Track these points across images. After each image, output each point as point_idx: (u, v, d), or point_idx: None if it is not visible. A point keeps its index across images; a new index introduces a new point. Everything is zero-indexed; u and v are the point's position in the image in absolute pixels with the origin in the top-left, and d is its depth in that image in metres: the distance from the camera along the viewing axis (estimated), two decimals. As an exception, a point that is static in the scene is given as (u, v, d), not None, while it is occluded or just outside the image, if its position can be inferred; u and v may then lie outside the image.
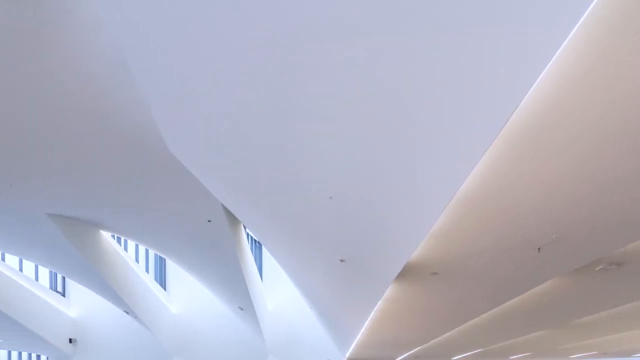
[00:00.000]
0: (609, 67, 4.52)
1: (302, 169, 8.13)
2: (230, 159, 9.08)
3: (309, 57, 5.24)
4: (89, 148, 12.25)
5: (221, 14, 5.13)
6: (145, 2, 5.67)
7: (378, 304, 13.28)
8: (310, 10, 4.58)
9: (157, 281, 31.55)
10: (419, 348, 24.71)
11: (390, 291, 11.95)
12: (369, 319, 15.39)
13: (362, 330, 17.60)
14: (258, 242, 29.26)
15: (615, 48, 4.29)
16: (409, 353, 27.02)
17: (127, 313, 28.15)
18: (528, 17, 3.83)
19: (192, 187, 13.25)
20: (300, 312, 28.05)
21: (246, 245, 22.59)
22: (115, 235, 24.41)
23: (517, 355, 33.15)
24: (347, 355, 25.72)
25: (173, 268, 30.96)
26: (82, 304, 33.64)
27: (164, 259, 31.10)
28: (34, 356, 36.82)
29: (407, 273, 10.43)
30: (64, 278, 33.08)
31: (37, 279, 31.60)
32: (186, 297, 31.63)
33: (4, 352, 36.72)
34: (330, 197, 8.46)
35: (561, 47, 3.95)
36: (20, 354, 37.01)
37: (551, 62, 4.09)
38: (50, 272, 32.63)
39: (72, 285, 33.11)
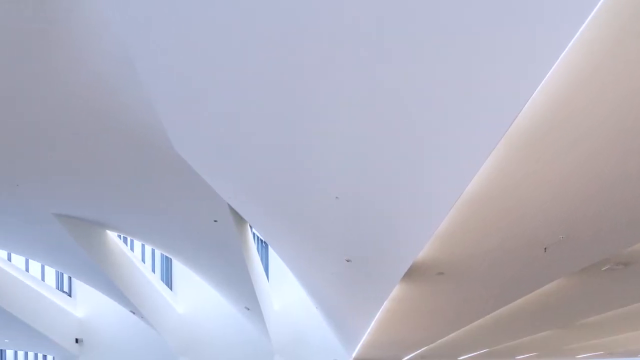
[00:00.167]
0: (616, 66, 4.51)
1: (308, 169, 8.13)
2: (236, 159, 9.09)
3: (314, 58, 5.24)
4: (95, 148, 12.27)
5: (226, 14, 5.14)
6: (151, 2, 5.67)
7: (384, 304, 13.26)
8: (316, 10, 4.58)
9: (163, 281, 31.58)
10: (425, 348, 24.70)
11: (396, 291, 11.94)
12: (375, 319, 15.38)
13: (369, 330, 17.59)
14: (264, 242, 29.26)
15: (621, 47, 4.28)
16: (415, 353, 27.01)
17: (134, 313, 28.18)
18: (535, 16, 3.83)
19: (198, 187, 13.25)
20: (306, 312, 28.02)
21: (252, 245, 22.59)
22: (122, 235, 24.45)
23: (524, 355, 33.12)
24: (354, 355, 25.70)
25: (179, 268, 30.99)
26: (88, 304, 33.67)
27: (170, 259, 31.13)
28: (40, 356, 36.87)
29: (414, 273, 10.42)
30: (70, 278, 33.13)
31: (43, 279, 31.65)
32: (192, 297, 31.64)
33: (11, 352, 36.78)
34: (337, 197, 8.46)
35: (568, 47, 3.94)
36: (26, 354, 37.05)
37: (558, 61, 4.09)
38: (57, 272, 32.68)
39: (79, 285, 33.15)
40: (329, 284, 15.04)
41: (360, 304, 15.45)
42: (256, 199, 11.18)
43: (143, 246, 31.02)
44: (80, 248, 20.63)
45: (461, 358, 32.06)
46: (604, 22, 3.92)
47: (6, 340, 32.79)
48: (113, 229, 21.95)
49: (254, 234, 23.48)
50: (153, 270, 31.51)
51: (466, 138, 5.51)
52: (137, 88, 9.19)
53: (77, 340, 33.56)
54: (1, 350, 36.46)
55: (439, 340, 22.04)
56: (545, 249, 9.11)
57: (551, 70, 4.18)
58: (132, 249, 29.16)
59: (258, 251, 25.56)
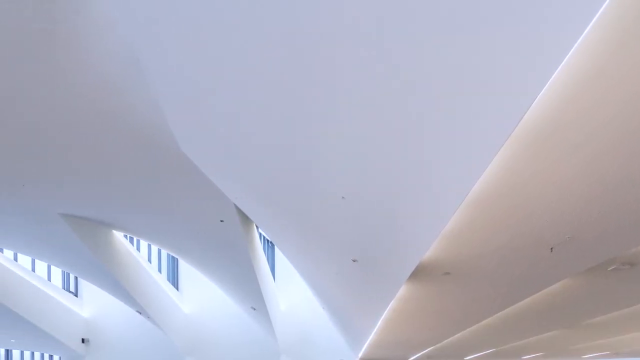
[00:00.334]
0: (622, 66, 4.51)
1: (314, 169, 8.15)
2: (243, 159, 9.11)
3: (320, 58, 5.25)
4: (101, 148, 12.29)
5: (233, 14, 5.15)
6: (157, 2, 5.69)
7: (391, 304, 13.27)
8: (321, 11, 4.59)
9: (169, 281, 31.63)
10: (431, 348, 24.69)
11: (402, 291, 11.94)
12: (382, 319, 15.38)
13: (375, 330, 17.59)
14: (270, 242, 29.26)
15: (628, 47, 4.29)
16: (422, 353, 27.00)
17: (140, 313, 28.22)
18: (541, 16, 3.83)
19: (205, 187, 13.26)
20: (312, 312, 28.05)
21: (259, 245, 22.60)
22: (128, 235, 24.48)
23: (530, 355, 33.09)
24: (360, 355, 25.71)
25: (185, 268, 31.03)
26: (94, 304, 33.73)
27: (177, 259, 31.17)
28: (46, 356, 36.94)
29: (420, 273, 10.42)
30: (76, 278, 33.18)
31: (49, 279, 31.70)
32: (199, 297, 31.68)
33: (17, 352, 36.85)
34: (343, 197, 8.47)
35: (574, 47, 3.95)
36: (32, 354, 37.11)
37: (564, 61, 4.09)
38: (63, 272, 32.73)
39: (85, 285, 33.21)
40: (335, 284, 15.05)
41: (367, 304, 15.46)
42: (262, 199, 11.20)
43: (149, 246, 31.05)
44: (86, 248, 20.66)
45: (467, 358, 32.04)
46: (609, 24, 3.93)
47: (12, 341, 32.86)
48: (119, 229, 21.98)
49: (260, 234, 23.50)
50: (159, 270, 31.55)
51: (473, 137, 5.52)
52: (143, 88, 9.21)
53: (83, 340, 33.63)
54: (7, 350, 36.53)
55: (445, 340, 22.03)
56: (551, 248, 9.11)
57: (557, 70, 4.19)
58: (138, 249, 29.16)
59: (264, 251, 25.54)
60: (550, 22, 3.85)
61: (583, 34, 3.82)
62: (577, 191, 6.96)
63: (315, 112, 6.36)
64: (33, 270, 30.33)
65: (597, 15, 3.65)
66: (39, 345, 33.52)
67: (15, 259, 29.11)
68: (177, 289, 32.12)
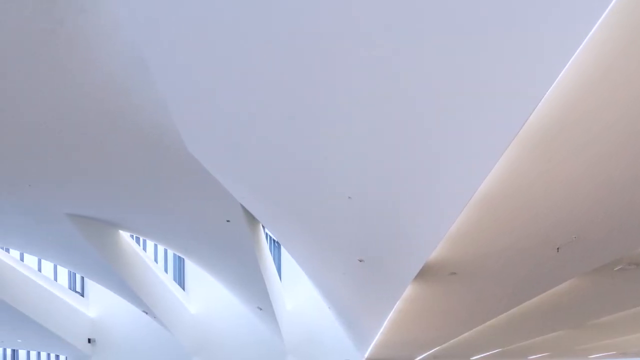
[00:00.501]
0: (628, 67, 4.52)
1: (321, 169, 8.15)
2: (249, 159, 9.11)
3: (327, 58, 5.26)
4: (108, 148, 12.30)
5: (240, 14, 5.16)
6: (163, 2, 5.71)
7: (397, 304, 13.28)
8: (329, 11, 4.60)
9: (176, 281, 31.65)
10: (437, 348, 24.70)
11: (408, 291, 11.95)
12: (388, 319, 15.39)
13: (381, 330, 17.60)
14: (277, 242, 29.28)
15: (634, 48, 4.29)
16: (428, 353, 27.01)
17: (146, 313, 28.23)
18: (547, 17, 3.84)
19: (211, 187, 13.27)
20: (319, 312, 28.06)
21: (265, 245, 22.61)
22: (134, 235, 24.49)
23: (536, 355, 33.09)
24: (366, 355, 25.73)
25: (192, 268, 31.02)
26: (101, 304, 33.76)
27: (183, 259, 31.15)
28: (52, 356, 36.96)
29: (426, 273, 10.43)
30: (82, 278, 33.20)
31: (56, 279, 31.71)
32: (205, 297, 31.71)
33: (23, 352, 36.90)
34: (349, 197, 8.48)
35: (580, 47, 3.96)
36: (39, 354, 37.15)
37: (570, 62, 4.10)
38: (69, 272, 32.74)
39: (91, 285, 33.24)
40: (342, 284, 15.06)
41: (373, 304, 15.47)
42: (269, 199, 11.21)
43: (156, 246, 31.06)
44: (92, 248, 20.66)
45: (474, 358, 32.05)
46: (616, 24, 3.94)
47: (19, 340, 32.90)
48: (126, 229, 21.98)
49: (266, 234, 23.50)
50: (166, 270, 31.56)
51: (479, 137, 5.52)
52: (149, 88, 9.22)
53: (89, 340, 33.66)
54: (14, 350, 36.59)
55: (452, 340, 22.04)
56: (557, 249, 9.11)
57: (563, 71, 4.19)
58: (144, 249, 29.20)
59: (270, 251, 25.59)
60: (556, 23, 3.85)
61: (589, 35, 3.83)
62: (583, 191, 6.97)
63: (322, 112, 6.36)
64: (39, 270, 30.32)
65: (603, 16, 3.66)
66: (45, 345, 33.54)
67: (22, 259, 29.11)
68: (184, 289, 32.15)
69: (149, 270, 26.80)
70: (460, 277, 11.14)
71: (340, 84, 5.60)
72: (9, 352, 36.71)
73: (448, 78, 4.83)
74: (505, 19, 3.99)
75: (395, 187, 7.69)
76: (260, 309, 26.02)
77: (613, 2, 3.53)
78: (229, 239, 19.72)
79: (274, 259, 26.81)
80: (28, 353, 37.08)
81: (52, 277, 31.33)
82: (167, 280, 29.82)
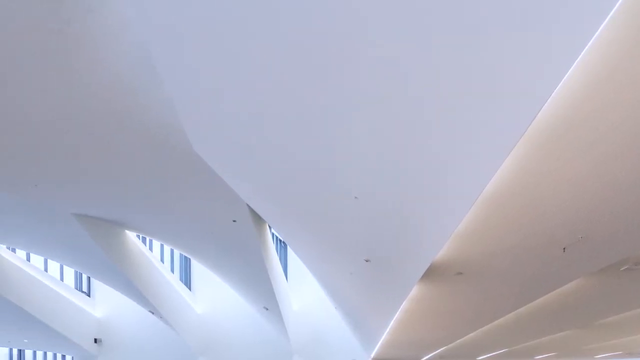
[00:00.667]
0: (635, 67, 4.52)
1: (327, 169, 8.16)
2: (255, 158, 9.12)
3: (334, 58, 5.27)
4: (114, 148, 12.31)
5: (248, 13, 5.17)
6: (171, 1, 5.72)
7: (403, 304, 13.28)
8: (337, 11, 4.61)
9: (182, 281, 31.66)
10: (444, 348, 24.70)
11: (415, 291, 11.95)
12: (394, 319, 15.39)
13: (387, 330, 17.60)
14: (283, 242, 29.29)
15: (640, 48, 4.30)
16: (434, 353, 27.01)
17: (152, 313, 28.26)
18: (554, 17, 3.85)
19: (217, 187, 13.26)
20: (325, 312, 28.06)
21: (271, 245, 22.60)
22: (140, 235, 24.52)
23: (543, 355, 33.08)
24: (373, 355, 25.72)
25: (198, 268, 31.06)
26: (107, 304, 33.80)
27: (189, 259, 31.22)
28: (59, 356, 37.06)
29: (432, 273, 10.43)
30: (89, 278, 33.27)
31: (62, 279, 31.76)
32: (211, 297, 31.71)
33: (30, 352, 36.97)
34: (356, 197, 8.49)
35: (587, 47, 3.96)
36: (45, 354, 37.25)
37: (577, 61, 4.11)
38: (75, 272, 32.81)
39: (97, 285, 33.29)
40: (348, 284, 15.06)
41: (379, 304, 15.47)
42: (275, 199, 11.21)
43: (162, 246, 31.11)
44: (99, 248, 20.68)
45: (480, 358, 32.05)
46: (623, 23, 3.94)
47: (25, 341, 32.95)
48: (132, 229, 22.00)
49: (273, 234, 23.49)
50: (172, 270, 31.59)
51: (486, 137, 5.53)
52: (155, 88, 9.23)
53: (95, 340, 33.70)
54: (20, 350, 36.66)
55: (458, 340, 22.04)
56: (564, 248, 9.11)
57: (570, 70, 4.20)
58: (151, 249, 29.26)
59: (277, 251, 25.57)
60: (563, 23, 3.86)
61: (595, 34, 3.83)
62: (590, 191, 6.97)
63: (329, 112, 6.37)
64: (45, 270, 30.39)
65: (609, 15, 3.66)
66: (51, 345, 33.58)
67: (28, 259, 29.16)
68: (190, 289, 32.16)
69: (155, 270, 26.82)
70: (466, 277, 11.14)
71: (347, 83, 5.61)
72: (15, 352, 36.79)
73: (455, 78, 4.84)
74: (512, 19, 4.00)
75: (402, 186, 7.69)
76: (267, 309, 26.02)
77: (619, 2, 3.53)
78: (235, 239, 19.72)
79: (280, 259, 26.79)
80: (34, 353, 37.18)
81: (58, 277, 31.38)
82: (174, 280, 29.83)
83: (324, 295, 23.21)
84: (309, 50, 5.32)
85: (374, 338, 21.24)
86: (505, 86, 4.68)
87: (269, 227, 21.05)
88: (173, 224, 19.75)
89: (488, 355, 30.63)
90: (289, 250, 29.16)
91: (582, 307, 16.23)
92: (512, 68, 4.46)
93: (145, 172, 14.05)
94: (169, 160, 12.89)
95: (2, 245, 25.67)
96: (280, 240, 28.83)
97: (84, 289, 33.69)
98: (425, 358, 29.39)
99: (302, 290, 29.43)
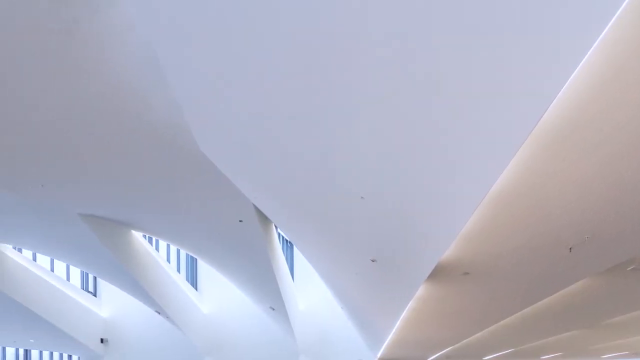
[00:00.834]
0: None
1: (333, 169, 8.16)
2: (261, 158, 9.13)
3: (341, 58, 5.28)
4: (121, 148, 12.33)
5: (254, 14, 5.18)
6: (177, 1, 5.73)
7: (409, 304, 13.28)
8: (342, 11, 4.62)
9: (188, 281, 31.64)
10: (450, 348, 24.69)
11: (421, 291, 11.95)
12: (401, 319, 15.39)
13: (394, 330, 17.59)
14: (289, 242, 29.29)
15: (646, 48, 4.31)
16: (440, 353, 27.00)
17: (159, 313, 28.24)
18: (560, 18, 3.85)
19: (224, 187, 13.26)
20: (331, 312, 28.02)
21: (277, 245, 22.60)
22: (147, 235, 24.53)
23: (549, 355, 33.04)
24: (379, 355, 25.71)
25: (204, 268, 31.05)
26: (113, 304, 33.79)
27: (196, 259, 31.19)
28: (65, 356, 37.00)
29: (439, 273, 10.43)
30: (95, 278, 33.26)
31: (68, 279, 31.74)
32: (217, 297, 31.68)
33: (36, 352, 36.98)
34: (362, 197, 8.49)
35: (592, 48, 3.97)
36: (51, 354, 37.20)
37: (582, 62, 4.11)
38: (82, 272, 32.80)
39: (104, 285, 33.27)
40: (354, 284, 15.07)
41: (386, 304, 15.46)
42: (281, 198, 11.21)
43: (168, 246, 31.11)
44: (105, 248, 20.71)
45: (486, 358, 32.02)
46: (629, 23, 3.95)
47: (31, 340, 32.96)
48: (138, 229, 22.03)
49: (279, 234, 23.50)
50: (178, 270, 31.59)
51: (492, 137, 5.53)
52: (161, 88, 9.25)
53: (102, 340, 33.69)
54: (26, 350, 36.67)
55: (464, 340, 22.03)
56: (570, 248, 9.11)
57: (575, 71, 4.21)
58: (157, 249, 29.22)
59: (283, 251, 25.57)
60: (569, 24, 3.87)
61: (601, 36, 3.84)
62: (596, 191, 6.97)
63: (335, 111, 6.37)
64: (52, 270, 30.36)
65: (615, 16, 3.67)
66: (57, 345, 33.57)
67: (34, 259, 29.13)
68: (196, 289, 32.15)
69: (162, 270, 26.83)
70: (473, 276, 11.13)
71: (354, 83, 5.62)
72: (21, 352, 36.80)
73: (462, 78, 4.85)
74: (518, 19, 4.01)
75: (408, 186, 7.70)
76: (273, 309, 26.02)
77: (625, 2, 3.54)
78: (241, 239, 19.73)
79: (286, 259, 26.78)
80: (40, 353, 37.13)
81: (64, 277, 31.37)
82: (180, 280, 29.81)
83: (330, 296, 23.20)
84: (316, 51, 5.33)
85: (380, 338, 21.23)
86: (512, 86, 4.69)
87: (276, 227, 21.07)
88: (179, 224, 19.78)
89: (494, 355, 30.61)
90: (295, 250, 29.14)
91: (589, 307, 16.22)
92: (517, 68, 4.47)
93: (151, 172, 14.08)
94: (175, 160, 12.91)
95: (8, 245, 25.69)
96: (287, 240, 28.82)
97: (90, 289, 33.69)
98: (431, 358, 29.38)
99: (309, 290, 29.42)
